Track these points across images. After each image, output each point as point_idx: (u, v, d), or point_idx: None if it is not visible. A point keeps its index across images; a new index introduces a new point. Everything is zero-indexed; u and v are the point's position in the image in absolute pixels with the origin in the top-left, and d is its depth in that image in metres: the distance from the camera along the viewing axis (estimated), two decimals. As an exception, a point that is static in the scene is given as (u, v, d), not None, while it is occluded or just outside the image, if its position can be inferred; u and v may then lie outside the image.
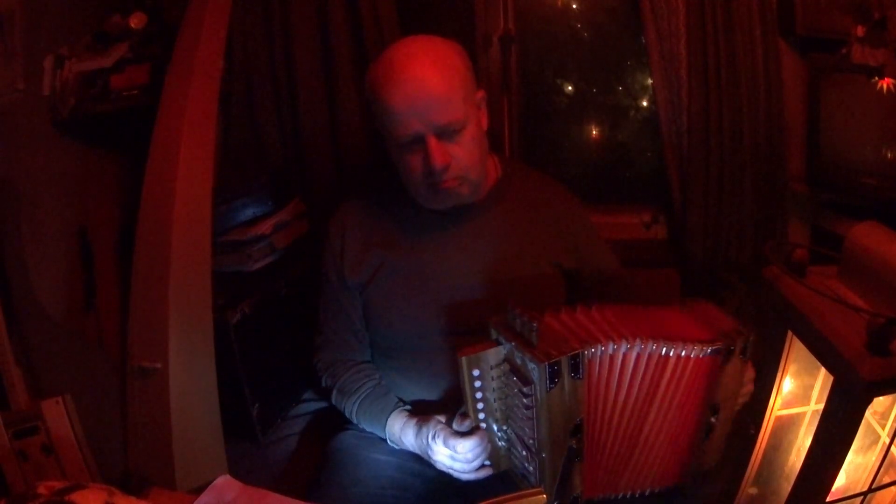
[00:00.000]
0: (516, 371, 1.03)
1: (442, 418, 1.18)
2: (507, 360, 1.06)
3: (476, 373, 1.07)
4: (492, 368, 1.07)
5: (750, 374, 1.12)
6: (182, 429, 1.29)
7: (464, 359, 1.06)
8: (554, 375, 0.97)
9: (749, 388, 1.13)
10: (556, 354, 0.96)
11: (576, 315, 1.07)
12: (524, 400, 1.01)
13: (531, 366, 0.98)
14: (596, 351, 1.00)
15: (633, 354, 1.01)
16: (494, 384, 1.09)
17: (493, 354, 1.07)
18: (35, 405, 1.16)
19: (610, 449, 1.07)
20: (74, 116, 1.53)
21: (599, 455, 1.07)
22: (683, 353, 1.01)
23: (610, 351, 1.00)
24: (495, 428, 1.13)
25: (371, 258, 1.32)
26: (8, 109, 1.42)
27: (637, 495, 1.12)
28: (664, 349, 1.01)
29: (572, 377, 0.98)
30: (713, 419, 1.07)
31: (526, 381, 1.00)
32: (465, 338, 1.11)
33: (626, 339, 1.00)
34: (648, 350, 1.01)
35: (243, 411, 1.53)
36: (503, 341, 1.05)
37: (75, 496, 0.81)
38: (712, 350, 1.02)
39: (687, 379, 1.03)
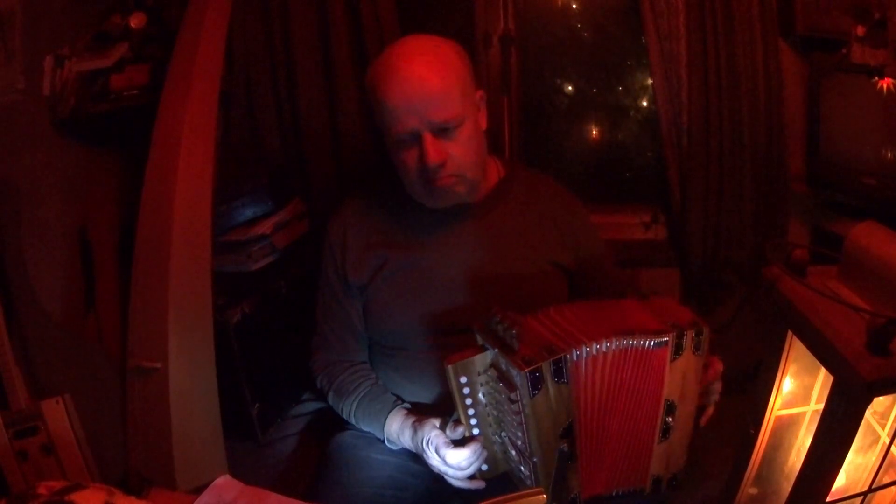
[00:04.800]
0: (502, 377, 1.02)
1: (437, 422, 1.17)
2: (494, 365, 1.05)
3: (464, 380, 1.07)
4: (479, 374, 1.06)
5: (715, 370, 1.09)
6: (182, 429, 1.30)
7: (450, 367, 1.05)
8: (537, 382, 0.95)
9: (717, 385, 1.10)
10: (538, 361, 0.95)
11: (550, 314, 1.06)
12: (511, 406, 1.00)
13: (514, 372, 0.97)
14: (583, 352, 0.98)
15: (610, 352, 0.99)
16: (483, 389, 1.08)
17: (480, 360, 1.06)
18: (35, 405, 1.16)
19: (596, 449, 1.05)
20: (74, 116, 1.53)
21: (590, 455, 1.06)
22: (633, 345, 0.99)
23: (595, 351, 0.99)
24: (490, 432, 1.12)
25: (373, 258, 1.32)
26: (8, 109, 1.42)
27: (629, 495, 1.10)
28: (625, 342, 0.99)
29: (556, 382, 0.96)
30: (669, 419, 1.04)
31: (511, 386, 0.99)
32: (466, 337, 1.11)
33: (612, 337, 0.98)
34: (616, 346, 0.99)
35: (243, 411, 1.53)
36: (488, 347, 1.04)
37: (75, 496, 0.81)
38: (660, 341, 0.99)
39: (640, 372, 1.01)
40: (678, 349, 1.00)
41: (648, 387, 1.02)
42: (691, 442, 1.09)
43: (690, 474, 1.11)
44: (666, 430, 1.05)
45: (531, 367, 0.94)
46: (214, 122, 1.48)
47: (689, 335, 1.00)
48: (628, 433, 1.05)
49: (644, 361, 1.01)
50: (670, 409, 1.04)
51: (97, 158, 1.67)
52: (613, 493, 1.09)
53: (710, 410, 1.12)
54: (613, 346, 0.99)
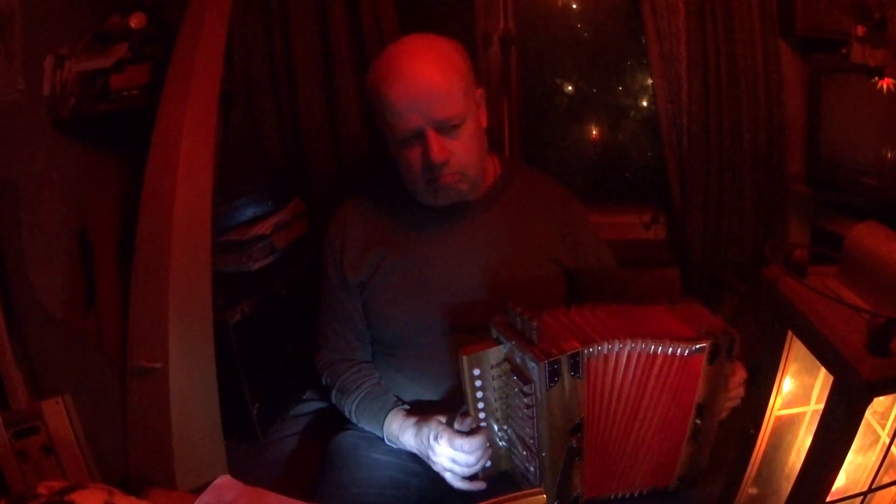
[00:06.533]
0: (517, 370, 1.03)
1: (442, 418, 1.18)
2: (508, 359, 1.06)
3: (477, 372, 1.07)
4: (492, 368, 1.08)
5: (740, 376, 1.11)
6: (182, 429, 1.30)
7: (465, 358, 1.06)
8: (554, 374, 0.97)
9: (739, 391, 1.12)
10: (556, 353, 0.97)
11: (571, 314, 1.07)
12: (524, 399, 1.01)
13: (531, 364, 0.98)
14: (595, 350, 1.00)
15: (626, 353, 1.01)
16: (495, 383, 1.09)
17: (494, 353, 1.07)
18: (35, 405, 1.15)
19: (604, 449, 1.06)
20: (74, 116, 1.53)
21: (596, 455, 1.06)
22: (670, 351, 1.01)
23: (606, 350, 1.00)
24: (496, 428, 1.13)
25: (371, 257, 1.33)
26: (8, 109, 1.42)
27: (628, 496, 1.12)
28: (652, 347, 1.01)
29: (572, 376, 0.98)
30: (699, 421, 1.07)
31: (526, 379, 1.00)
32: (466, 336, 1.12)
33: (628, 338, 1.00)
34: (639, 349, 1.01)
35: (243, 411, 1.53)
36: (504, 340, 1.05)
37: (75, 496, 0.81)
38: (697, 348, 1.01)
39: (673, 378, 1.03)
40: (714, 357, 1.03)
41: (681, 391, 1.04)
42: (713, 441, 1.11)
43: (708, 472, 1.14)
44: (696, 433, 1.08)
45: (550, 359, 0.96)
46: (214, 122, 1.48)
47: (724, 342, 1.03)
48: (656, 436, 1.07)
49: (679, 366, 1.02)
50: (701, 412, 1.06)
51: (97, 158, 1.66)
52: (636, 494, 1.12)
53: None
54: (637, 348, 1.01)
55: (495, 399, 1.10)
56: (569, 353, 0.97)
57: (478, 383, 1.09)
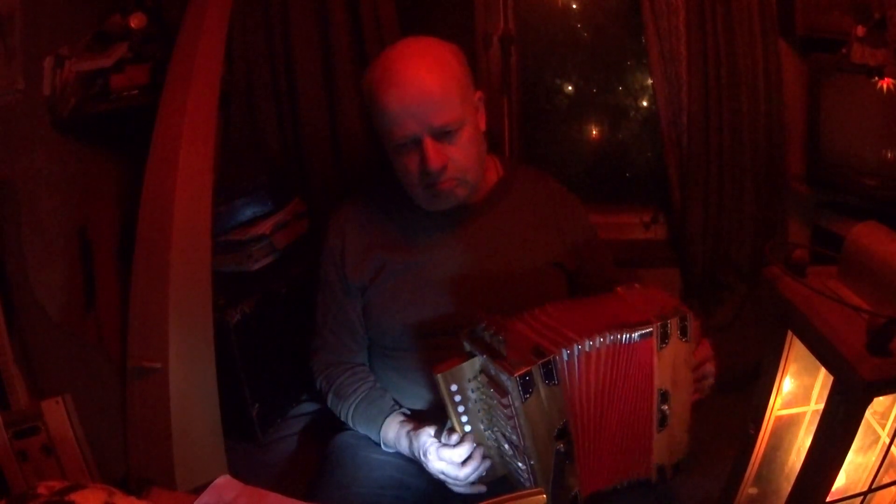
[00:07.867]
0: (493, 382, 1.02)
1: (431, 430, 1.17)
2: (483, 371, 1.05)
3: (454, 387, 1.06)
4: (469, 381, 1.06)
5: (704, 352, 1.09)
6: (182, 429, 1.30)
7: (439, 375, 1.05)
8: (527, 386, 0.95)
9: (708, 368, 1.11)
10: (527, 365, 0.94)
11: (538, 315, 1.06)
12: (504, 410, 1.00)
13: (503, 377, 0.97)
14: (566, 354, 0.98)
15: (596, 350, 0.99)
16: (475, 395, 1.08)
17: (469, 367, 1.05)
18: (35, 405, 1.16)
19: (593, 446, 1.05)
20: (74, 116, 1.53)
21: (589, 453, 1.06)
22: (624, 340, 0.99)
23: (577, 351, 0.98)
24: (485, 437, 1.12)
25: (372, 260, 1.32)
26: (8, 109, 1.42)
27: (626, 485, 1.10)
28: (612, 338, 0.99)
29: (547, 384, 0.96)
30: (664, 407, 1.05)
31: (503, 391, 0.98)
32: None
33: (597, 334, 0.98)
34: (604, 343, 0.99)
35: (243, 411, 1.54)
36: (476, 353, 1.04)
37: (75, 496, 0.81)
38: (642, 333, 1.00)
39: (631, 366, 1.01)
40: (664, 338, 1.01)
41: (639, 378, 1.03)
42: (692, 427, 1.09)
43: (695, 461, 1.12)
44: (663, 419, 1.06)
45: (521, 372, 0.94)
46: (214, 122, 1.49)
47: (674, 323, 1.01)
48: (626, 426, 1.05)
49: (632, 354, 1.01)
50: (664, 397, 1.04)
51: (97, 158, 1.67)
52: (620, 485, 1.10)
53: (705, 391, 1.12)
54: (605, 342, 0.99)
55: (479, 410, 1.09)
56: (540, 363, 0.95)
57: (457, 398, 1.08)
